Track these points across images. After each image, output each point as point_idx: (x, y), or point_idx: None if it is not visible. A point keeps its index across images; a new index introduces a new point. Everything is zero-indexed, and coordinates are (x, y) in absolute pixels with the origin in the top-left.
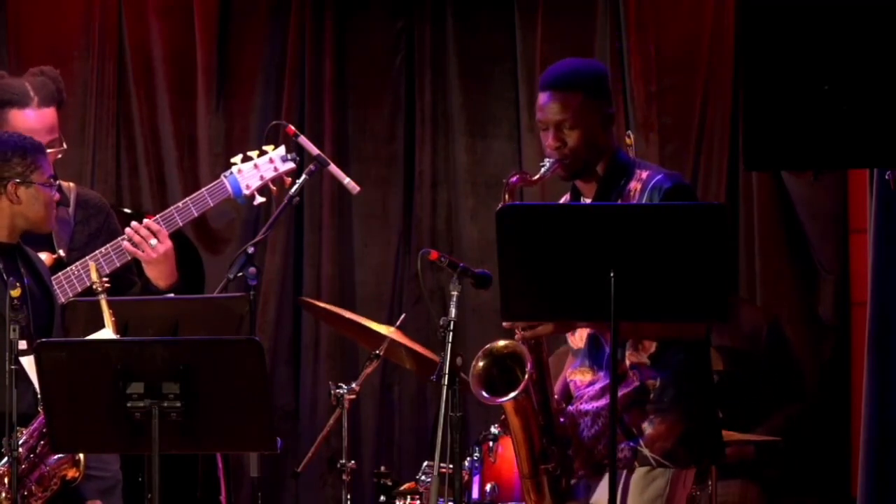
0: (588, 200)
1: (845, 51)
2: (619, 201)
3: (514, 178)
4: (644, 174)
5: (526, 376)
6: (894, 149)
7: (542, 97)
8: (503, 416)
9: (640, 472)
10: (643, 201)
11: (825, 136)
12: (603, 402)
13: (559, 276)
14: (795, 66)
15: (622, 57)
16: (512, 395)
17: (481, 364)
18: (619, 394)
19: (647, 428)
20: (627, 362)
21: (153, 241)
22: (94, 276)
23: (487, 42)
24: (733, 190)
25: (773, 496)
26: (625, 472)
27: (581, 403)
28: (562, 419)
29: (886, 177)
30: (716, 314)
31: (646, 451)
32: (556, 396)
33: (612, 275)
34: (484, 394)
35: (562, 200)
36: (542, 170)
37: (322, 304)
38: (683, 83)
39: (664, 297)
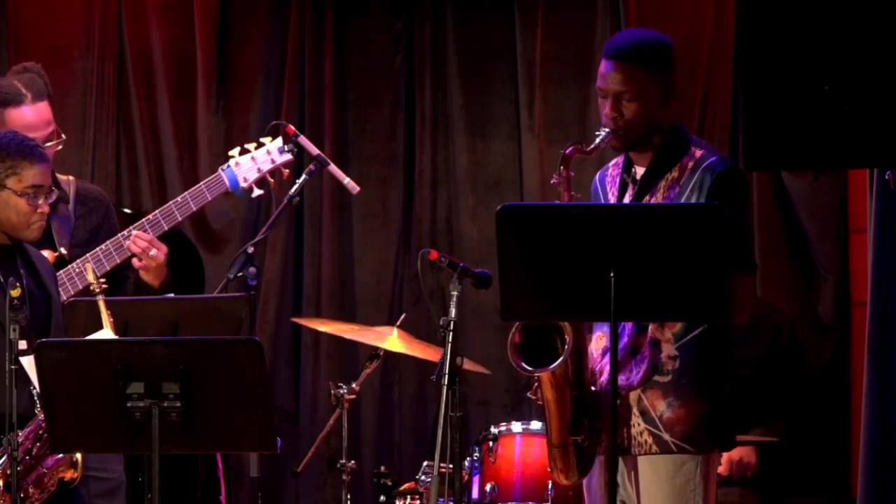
0: (640, 170)
1: (845, 51)
2: (670, 176)
3: (569, 150)
4: (699, 153)
5: (567, 346)
6: (894, 149)
7: (605, 65)
8: (535, 384)
9: (667, 457)
10: (693, 179)
11: (825, 136)
12: (623, 379)
13: (559, 276)
14: (795, 66)
15: None
16: (553, 365)
17: (519, 336)
18: (637, 375)
19: (666, 412)
20: (648, 336)
21: (153, 252)
22: (90, 277)
23: (487, 42)
24: None
25: (774, 496)
26: (640, 456)
27: (603, 378)
28: (594, 389)
29: (886, 177)
30: (716, 314)
31: (666, 437)
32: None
33: (612, 275)
34: (524, 364)
35: (611, 164)
36: (597, 140)
37: (317, 326)
38: (683, 83)
39: (664, 298)
